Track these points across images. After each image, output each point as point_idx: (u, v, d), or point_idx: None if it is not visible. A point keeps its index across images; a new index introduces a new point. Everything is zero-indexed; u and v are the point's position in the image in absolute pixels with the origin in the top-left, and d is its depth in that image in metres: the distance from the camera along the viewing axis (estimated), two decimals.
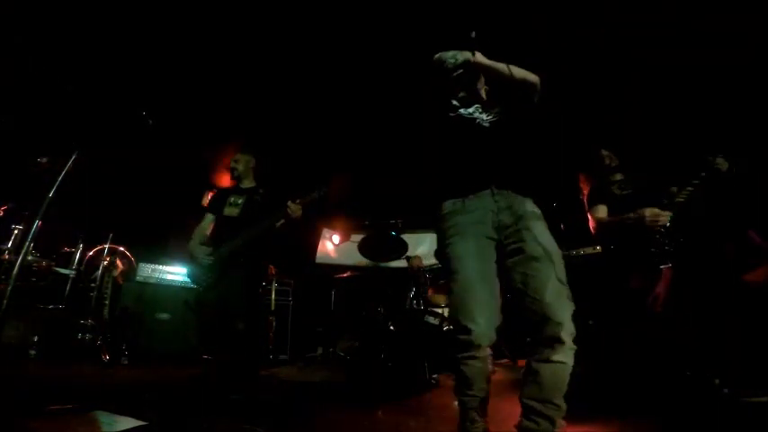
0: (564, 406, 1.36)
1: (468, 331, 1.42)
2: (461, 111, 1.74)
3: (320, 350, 4.85)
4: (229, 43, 3.80)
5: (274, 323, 4.59)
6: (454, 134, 1.70)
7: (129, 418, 1.85)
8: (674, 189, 2.68)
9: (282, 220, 2.66)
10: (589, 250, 3.83)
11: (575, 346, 1.37)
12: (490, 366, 1.56)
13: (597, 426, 1.85)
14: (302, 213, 2.67)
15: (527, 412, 1.37)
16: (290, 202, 2.64)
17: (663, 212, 2.43)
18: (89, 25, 3.51)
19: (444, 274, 1.68)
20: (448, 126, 1.73)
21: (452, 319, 1.54)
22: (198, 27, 3.62)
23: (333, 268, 5.51)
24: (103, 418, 1.89)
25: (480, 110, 1.73)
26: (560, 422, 1.35)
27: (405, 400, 2.60)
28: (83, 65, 3.82)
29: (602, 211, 2.83)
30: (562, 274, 1.45)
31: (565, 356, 1.35)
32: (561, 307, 1.38)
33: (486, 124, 1.71)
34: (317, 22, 3.60)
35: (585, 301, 3.76)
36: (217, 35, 3.71)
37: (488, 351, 1.49)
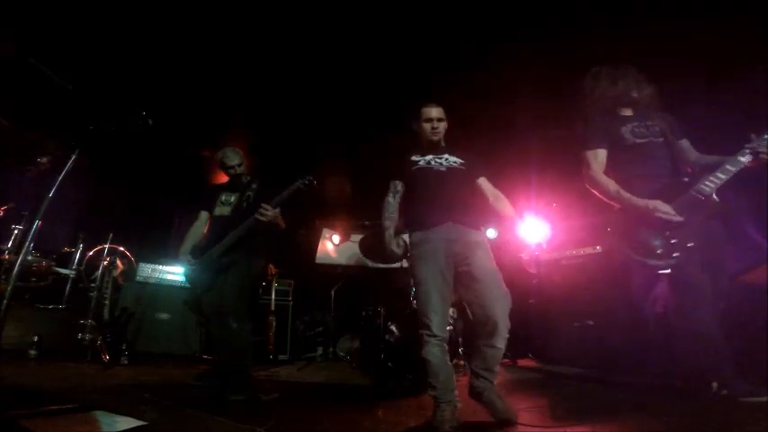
0: (497, 370, 2.02)
1: (426, 325, 1.99)
2: (420, 162, 2.26)
3: (320, 350, 4.85)
4: (229, 41, 3.80)
5: (274, 323, 4.59)
6: (417, 181, 2.22)
7: (129, 418, 1.85)
8: (703, 159, 2.10)
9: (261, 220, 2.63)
10: (589, 250, 3.85)
11: (507, 335, 1.96)
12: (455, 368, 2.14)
13: (597, 426, 1.84)
14: (282, 207, 2.66)
15: (477, 376, 2.02)
16: (262, 206, 2.60)
17: (675, 216, 2.00)
18: (89, 24, 3.51)
19: (414, 285, 2.24)
20: (411, 176, 2.24)
21: (418, 317, 2.06)
22: (197, 25, 3.62)
23: (333, 268, 5.51)
24: (103, 418, 1.89)
25: (436, 158, 2.27)
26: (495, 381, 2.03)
27: (405, 400, 2.60)
28: (83, 64, 3.82)
29: (600, 158, 2.26)
30: (500, 285, 2.01)
31: (501, 343, 1.96)
32: (501, 309, 1.95)
33: (443, 169, 2.24)
34: (321, 18, 3.60)
35: (585, 301, 3.78)
36: (216, 33, 3.71)
37: (445, 347, 2.02)
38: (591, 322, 3.55)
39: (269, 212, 2.59)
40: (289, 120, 4.84)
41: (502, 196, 2.30)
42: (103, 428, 1.79)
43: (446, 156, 2.29)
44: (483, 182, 2.32)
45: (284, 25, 3.67)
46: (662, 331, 2.67)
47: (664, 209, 2.02)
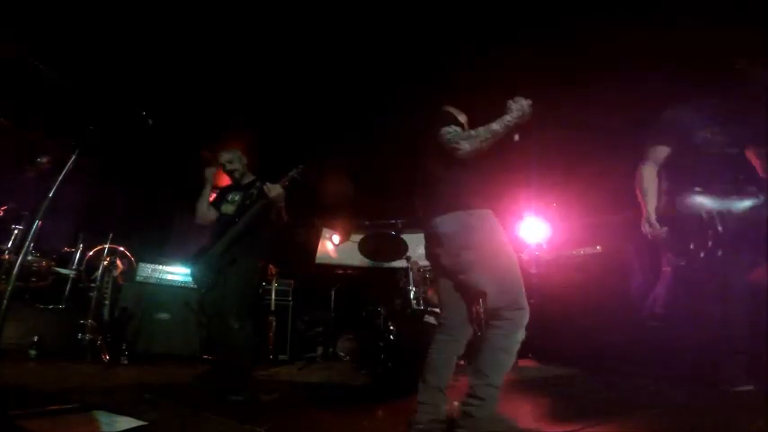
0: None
1: (522, 306, 1.68)
2: None
3: (320, 350, 4.85)
4: (229, 39, 3.79)
5: (274, 323, 4.59)
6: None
7: (129, 418, 1.85)
8: None
9: (266, 205, 2.66)
10: (589, 250, 3.85)
11: None
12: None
13: (597, 426, 1.84)
14: (283, 193, 2.67)
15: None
16: (267, 183, 2.65)
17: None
18: (89, 24, 3.51)
19: (497, 258, 1.78)
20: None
21: (506, 296, 1.70)
22: (196, 24, 3.62)
23: (333, 268, 5.51)
24: (103, 418, 1.89)
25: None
26: None
27: (405, 400, 2.60)
28: (83, 64, 3.82)
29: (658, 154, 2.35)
30: None
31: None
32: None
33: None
34: (323, 17, 3.59)
35: (586, 301, 3.77)
36: (216, 32, 3.71)
37: None
38: (590, 322, 3.55)
39: (273, 191, 2.63)
40: (289, 119, 4.83)
41: None
42: (103, 428, 1.79)
43: None
44: None
45: (285, 24, 3.67)
46: (661, 330, 2.67)
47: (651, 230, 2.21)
